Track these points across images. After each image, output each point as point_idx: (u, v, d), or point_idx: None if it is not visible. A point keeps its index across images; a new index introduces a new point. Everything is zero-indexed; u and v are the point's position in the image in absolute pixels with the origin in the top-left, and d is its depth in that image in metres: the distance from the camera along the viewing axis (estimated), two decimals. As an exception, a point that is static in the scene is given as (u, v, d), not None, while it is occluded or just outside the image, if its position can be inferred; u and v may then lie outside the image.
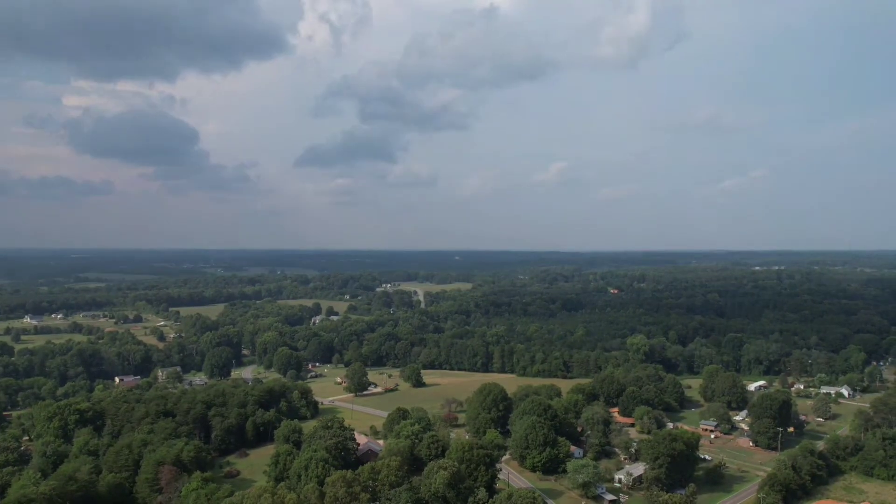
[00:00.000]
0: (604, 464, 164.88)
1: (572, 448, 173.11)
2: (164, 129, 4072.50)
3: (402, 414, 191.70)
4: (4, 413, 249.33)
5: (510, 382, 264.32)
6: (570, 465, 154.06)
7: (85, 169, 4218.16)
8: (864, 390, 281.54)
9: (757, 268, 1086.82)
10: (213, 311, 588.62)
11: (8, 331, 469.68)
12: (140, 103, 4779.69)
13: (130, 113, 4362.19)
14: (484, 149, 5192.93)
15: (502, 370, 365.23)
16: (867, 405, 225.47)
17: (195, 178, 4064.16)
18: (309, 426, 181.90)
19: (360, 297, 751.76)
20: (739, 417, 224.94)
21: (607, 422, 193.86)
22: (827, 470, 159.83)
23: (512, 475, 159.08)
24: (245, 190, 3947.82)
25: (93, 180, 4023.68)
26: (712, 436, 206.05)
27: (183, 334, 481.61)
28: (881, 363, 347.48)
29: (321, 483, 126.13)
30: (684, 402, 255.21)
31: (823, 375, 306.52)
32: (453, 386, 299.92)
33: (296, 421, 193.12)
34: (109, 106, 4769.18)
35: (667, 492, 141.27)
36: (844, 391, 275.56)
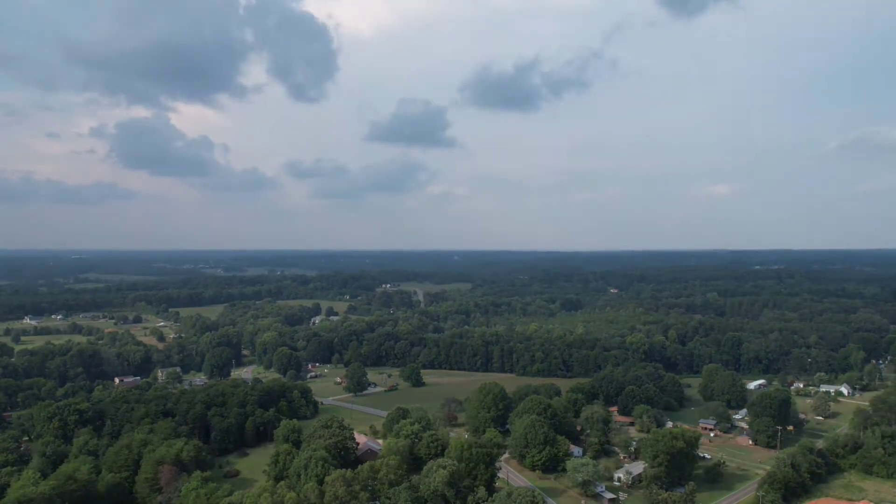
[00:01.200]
0: (603, 462, 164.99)
1: (572, 447, 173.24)
2: (178, 140, 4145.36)
3: (401, 413, 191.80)
4: (4, 414, 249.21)
5: (510, 382, 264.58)
6: (569, 464, 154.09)
7: (101, 175, 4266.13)
8: (864, 389, 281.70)
9: (757, 267, 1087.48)
10: (212, 312, 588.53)
11: (8, 331, 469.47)
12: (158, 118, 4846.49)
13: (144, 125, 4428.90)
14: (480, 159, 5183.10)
15: (502, 370, 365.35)
16: (866, 403, 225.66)
17: (203, 182, 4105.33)
18: (309, 426, 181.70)
19: (359, 298, 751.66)
20: (739, 416, 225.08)
21: (607, 421, 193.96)
22: (826, 468, 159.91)
23: (511, 474, 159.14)
24: (249, 192, 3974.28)
25: (103, 185, 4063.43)
26: (712, 434, 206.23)
27: (182, 335, 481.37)
28: (880, 362, 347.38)
29: (321, 482, 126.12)
30: (684, 401, 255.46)
31: (823, 374, 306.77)
32: (453, 385, 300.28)
33: (295, 420, 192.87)
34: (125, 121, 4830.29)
35: (666, 490, 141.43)
36: (844, 389, 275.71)
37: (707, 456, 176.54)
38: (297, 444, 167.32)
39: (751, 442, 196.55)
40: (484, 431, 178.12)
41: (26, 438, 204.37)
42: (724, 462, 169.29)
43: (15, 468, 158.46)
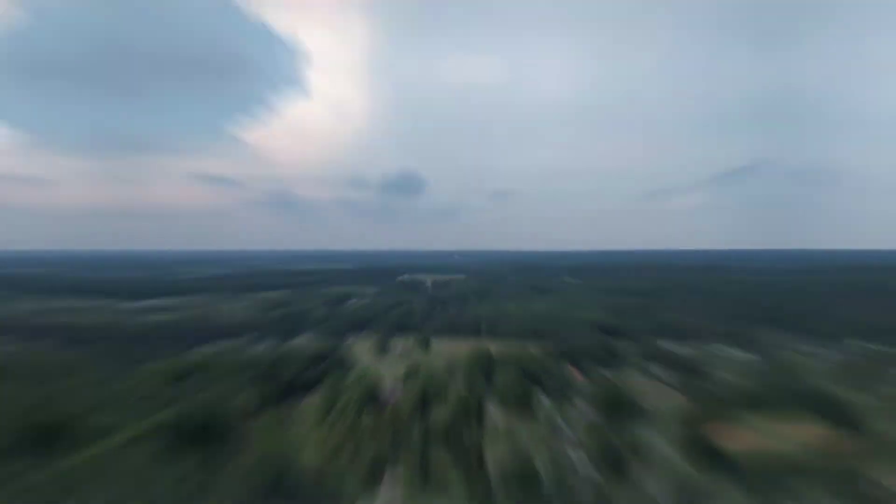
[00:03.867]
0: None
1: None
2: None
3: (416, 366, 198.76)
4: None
5: (495, 345, 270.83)
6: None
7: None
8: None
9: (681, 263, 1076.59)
10: (277, 295, 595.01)
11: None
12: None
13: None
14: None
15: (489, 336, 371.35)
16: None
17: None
18: (347, 379, 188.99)
19: (385, 285, 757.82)
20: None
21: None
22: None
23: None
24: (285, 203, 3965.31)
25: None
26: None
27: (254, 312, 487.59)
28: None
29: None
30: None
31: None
32: (452, 346, 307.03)
33: (337, 374, 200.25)
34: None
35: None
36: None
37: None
38: (338, 392, 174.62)
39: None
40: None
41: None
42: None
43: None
